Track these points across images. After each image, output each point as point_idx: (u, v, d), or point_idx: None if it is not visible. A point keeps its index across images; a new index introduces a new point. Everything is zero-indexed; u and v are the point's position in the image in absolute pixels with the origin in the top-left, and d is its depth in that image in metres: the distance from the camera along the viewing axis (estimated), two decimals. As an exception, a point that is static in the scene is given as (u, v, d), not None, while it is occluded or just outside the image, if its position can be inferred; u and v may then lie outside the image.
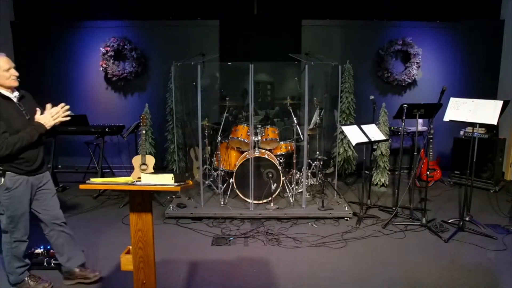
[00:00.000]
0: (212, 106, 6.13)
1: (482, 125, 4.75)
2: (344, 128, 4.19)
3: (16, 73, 2.57)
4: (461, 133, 5.54)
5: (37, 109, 2.65)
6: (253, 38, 6.00)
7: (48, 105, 2.63)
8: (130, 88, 6.27)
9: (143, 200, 2.08)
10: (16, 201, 2.59)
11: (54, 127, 2.64)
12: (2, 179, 2.52)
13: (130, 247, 2.14)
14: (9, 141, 2.42)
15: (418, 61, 5.95)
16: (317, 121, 5.08)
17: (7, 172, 2.52)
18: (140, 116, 4.68)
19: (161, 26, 6.16)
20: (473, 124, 3.93)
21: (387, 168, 5.32)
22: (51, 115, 2.59)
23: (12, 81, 2.54)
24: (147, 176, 2.14)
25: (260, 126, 4.81)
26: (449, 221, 4.11)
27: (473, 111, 3.81)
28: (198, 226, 4.08)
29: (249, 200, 4.37)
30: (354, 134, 4.10)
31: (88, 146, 5.74)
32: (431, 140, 4.26)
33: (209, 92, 6.13)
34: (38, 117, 2.60)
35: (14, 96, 2.58)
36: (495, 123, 3.67)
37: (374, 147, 4.98)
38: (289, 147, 4.94)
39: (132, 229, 2.10)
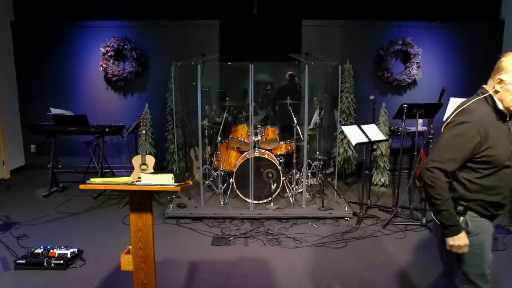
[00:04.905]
0: (212, 106, 6.14)
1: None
2: (344, 128, 4.19)
3: None
4: (461, 133, 5.52)
5: None
6: (253, 38, 6.00)
7: None
8: (130, 88, 6.27)
9: (143, 200, 2.09)
10: (476, 251, 1.87)
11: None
12: (461, 218, 1.87)
13: (130, 247, 2.15)
14: (440, 185, 1.86)
15: (418, 61, 5.95)
16: (317, 121, 5.08)
17: (469, 211, 1.88)
18: (140, 116, 4.68)
19: (161, 26, 6.15)
20: (473, 124, 3.91)
21: (387, 168, 5.32)
22: None
23: None
24: (147, 176, 2.14)
25: (260, 126, 4.81)
26: (449, 221, 4.11)
27: (473, 111, 3.80)
28: (198, 226, 4.08)
29: (249, 200, 4.37)
30: (354, 134, 4.10)
31: (88, 146, 5.74)
32: (431, 140, 4.25)
33: (210, 92, 6.14)
34: None
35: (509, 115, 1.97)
36: (495, 123, 3.66)
37: (374, 147, 4.97)
38: (289, 147, 4.94)
39: (132, 229, 2.11)
